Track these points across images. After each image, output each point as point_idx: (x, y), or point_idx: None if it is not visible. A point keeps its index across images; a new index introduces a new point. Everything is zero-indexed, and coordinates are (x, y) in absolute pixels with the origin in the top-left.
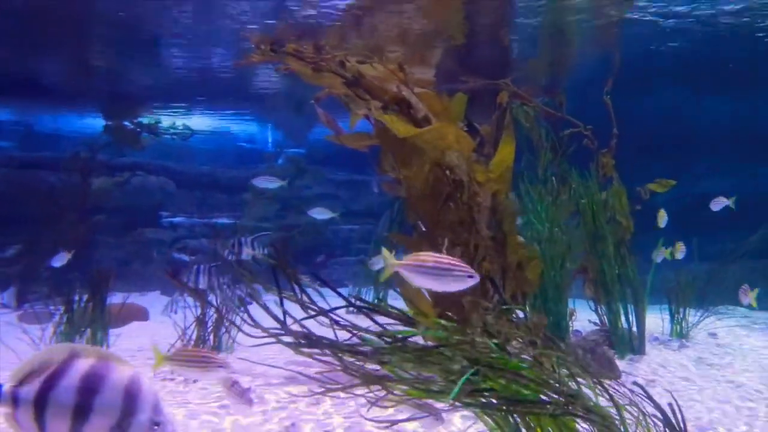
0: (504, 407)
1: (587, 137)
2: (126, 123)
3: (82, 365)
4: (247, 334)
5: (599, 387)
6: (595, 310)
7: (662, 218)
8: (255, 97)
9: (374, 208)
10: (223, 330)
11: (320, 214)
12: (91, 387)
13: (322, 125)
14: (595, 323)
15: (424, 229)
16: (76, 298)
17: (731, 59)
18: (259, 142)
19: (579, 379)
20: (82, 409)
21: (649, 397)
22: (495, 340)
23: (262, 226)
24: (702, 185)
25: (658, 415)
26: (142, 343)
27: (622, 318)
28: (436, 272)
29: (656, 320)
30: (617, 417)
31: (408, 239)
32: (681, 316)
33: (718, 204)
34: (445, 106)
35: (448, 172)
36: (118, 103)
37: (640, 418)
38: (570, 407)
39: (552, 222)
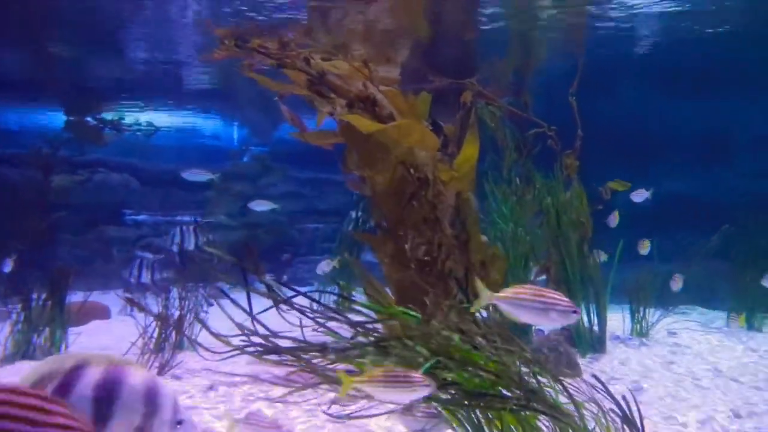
0: (466, 401)
1: (551, 138)
2: (88, 119)
3: (94, 372)
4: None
5: (559, 384)
6: None
7: (615, 219)
8: (219, 94)
9: (340, 207)
10: (186, 327)
11: (259, 206)
12: (109, 393)
13: (288, 123)
14: None
15: (387, 227)
16: (35, 296)
17: (693, 62)
18: (225, 139)
19: (542, 377)
20: (102, 417)
21: (609, 393)
22: (458, 334)
23: (229, 225)
24: (664, 186)
25: (617, 410)
26: (103, 341)
27: (584, 317)
28: (538, 306)
29: (618, 320)
30: (577, 413)
31: (372, 237)
32: (641, 315)
33: (639, 196)
34: (410, 105)
35: (412, 170)
36: (80, 98)
37: (599, 414)
38: (531, 403)
39: (516, 222)
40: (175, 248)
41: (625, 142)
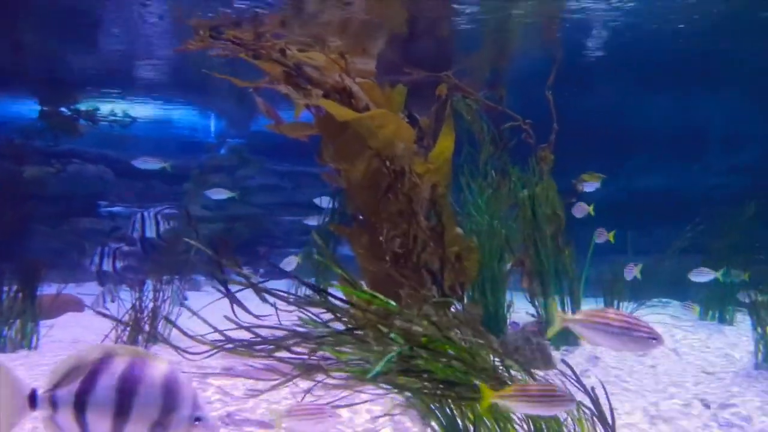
0: (439, 390)
1: (526, 131)
2: (63, 109)
3: (119, 364)
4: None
5: (529, 375)
6: (532, 302)
7: (583, 210)
8: (197, 86)
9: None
10: (160, 320)
11: (218, 194)
12: (130, 385)
13: (264, 115)
14: (532, 315)
15: (363, 219)
16: (6, 288)
17: (670, 56)
18: (202, 131)
19: (516, 370)
20: (123, 408)
21: (580, 384)
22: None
23: (206, 217)
24: (638, 181)
25: (589, 402)
26: (76, 334)
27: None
28: (618, 331)
29: None
30: None
31: (348, 230)
32: (615, 308)
33: (580, 210)
34: (386, 97)
35: (388, 162)
36: (55, 88)
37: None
38: None
39: (491, 214)
40: (135, 235)
41: (601, 137)
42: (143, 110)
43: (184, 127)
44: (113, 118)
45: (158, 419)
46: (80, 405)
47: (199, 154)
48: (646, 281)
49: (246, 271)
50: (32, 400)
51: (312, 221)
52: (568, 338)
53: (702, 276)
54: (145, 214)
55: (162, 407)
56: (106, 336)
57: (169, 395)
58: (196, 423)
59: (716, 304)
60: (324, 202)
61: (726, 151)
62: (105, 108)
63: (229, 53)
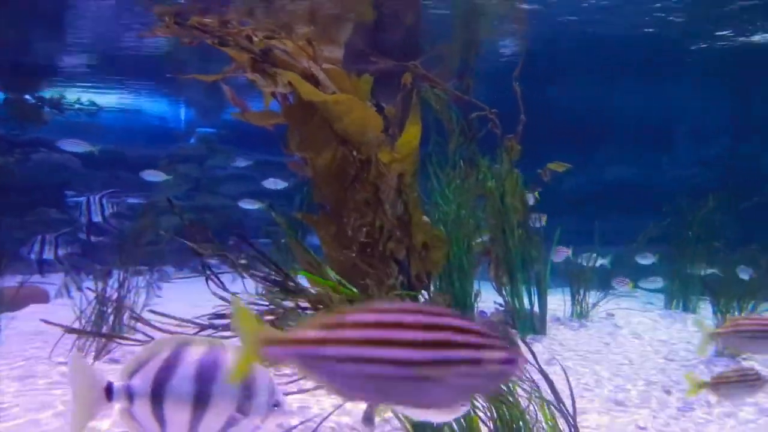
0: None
1: (492, 121)
2: (27, 97)
3: (194, 354)
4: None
5: None
6: (499, 292)
7: (542, 220)
8: (166, 74)
9: (288, 189)
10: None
11: (152, 176)
12: (208, 374)
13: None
14: (500, 305)
15: (329, 209)
16: None
17: (638, 51)
18: (171, 120)
19: None
20: (202, 397)
21: (542, 373)
22: None
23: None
24: (607, 173)
25: (550, 390)
26: (40, 325)
27: (525, 299)
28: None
29: (559, 302)
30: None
31: (314, 219)
32: (581, 297)
33: (560, 254)
34: (353, 85)
35: (354, 151)
36: (19, 76)
37: (533, 393)
38: None
39: (459, 204)
40: (83, 219)
41: (570, 129)
42: (111, 99)
43: (154, 116)
44: (79, 106)
45: (237, 406)
46: (157, 396)
47: (168, 144)
48: (614, 271)
49: (216, 261)
50: (108, 392)
51: (272, 185)
52: (535, 327)
53: (646, 259)
54: (91, 198)
55: (241, 395)
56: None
57: (247, 382)
58: (274, 408)
59: (680, 294)
60: (276, 184)
61: (691, 144)
62: (71, 96)
63: (195, 41)
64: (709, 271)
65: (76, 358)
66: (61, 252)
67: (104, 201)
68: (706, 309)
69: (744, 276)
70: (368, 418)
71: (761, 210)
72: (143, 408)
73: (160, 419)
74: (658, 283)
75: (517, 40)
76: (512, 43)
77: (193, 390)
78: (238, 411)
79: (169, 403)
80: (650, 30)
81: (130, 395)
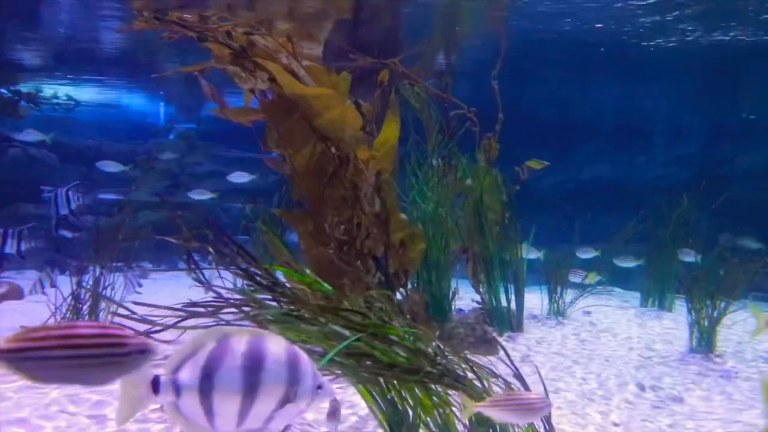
0: (378, 371)
1: (470, 119)
2: (2, 91)
3: (240, 344)
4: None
5: (466, 361)
6: (476, 290)
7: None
8: (146, 69)
9: (268, 186)
10: (102, 307)
11: (107, 167)
12: (255, 363)
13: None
14: (477, 302)
15: (308, 206)
16: None
17: (609, 49)
18: (151, 116)
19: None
20: (250, 387)
21: (515, 369)
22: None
23: (153, 203)
24: (585, 172)
25: (522, 386)
26: (15, 321)
27: (502, 297)
28: None
29: (537, 300)
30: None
31: (292, 216)
32: (559, 295)
33: (578, 275)
34: (333, 82)
35: (333, 149)
36: None
37: (507, 389)
38: (444, 378)
39: (437, 202)
40: (51, 213)
41: (549, 128)
42: (90, 94)
43: (133, 111)
44: (56, 101)
45: (285, 393)
46: (205, 388)
47: (148, 139)
48: (591, 269)
49: (196, 258)
50: (155, 386)
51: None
52: (512, 325)
53: (587, 254)
54: (58, 192)
55: (288, 381)
56: (44, 323)
57: (293, 368)
58: (318, 391)
59: (656, 292)
60: (241, 177)
61: (668, 144)
62: (48, 91)
63: (174, 36)
64: (687, 258)
65: None
66: (23, 246)
67: (70, 194)
68: (682, 307)
69: (688, 259)
70: (333, 413)
71: (733, 207)
72: (191, 401)
73: (209, 411)
74: (633, 261)
75: (495, 38)
76: (491, 41)
77: (241, 380)
78: (285, 396)
79: (218, 395)
80: (625, 28)
81: (177, 389)
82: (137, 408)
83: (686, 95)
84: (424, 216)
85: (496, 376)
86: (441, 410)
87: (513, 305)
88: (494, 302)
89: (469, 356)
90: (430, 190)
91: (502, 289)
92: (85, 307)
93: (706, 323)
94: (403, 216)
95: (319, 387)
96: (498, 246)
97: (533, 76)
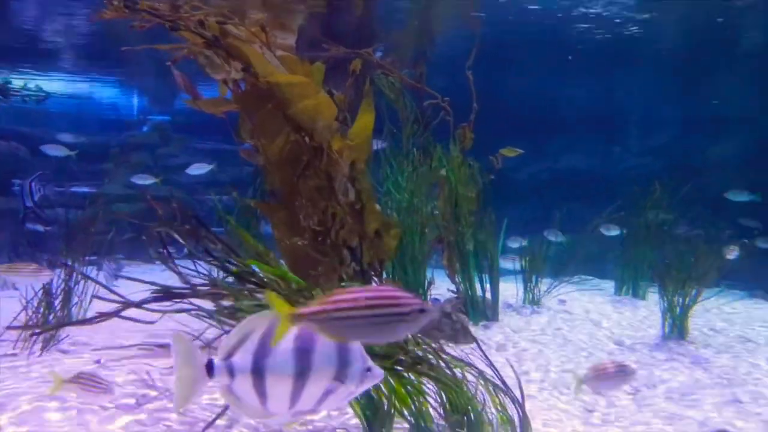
0: None
1: (444, 109)
2: None
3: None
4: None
5: (440, 350)
6: (452, 279)
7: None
8: (119, 60)
9: (243, 178)
10: (75, 301)
11: (54, 150)
12: (307, 346)
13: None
14: (453, 292)
15: (281, 196)
16: None
17: (588, 41)
18: (124, 108)
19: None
20: (302, 369)
21: (487, 359)
22: None
23: (127, 196)
24: (561, 162)
25: (496, 375)
26: None
27: (477, 286)
28: None
29: (512, 289)
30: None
31: (266, 206)
32: (534, 284)
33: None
34: (307, 72)
35: (307, 138)
36: None
37: (480, 378)
38: (417, 366)
39: (412, 192)
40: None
41: (525, 118)
42: (61, 86)
43: (105, 103)
44: (26, 93)
45: (335, 375)
46: (259, 370)
47: (121, 132)
48: (566, 258)
49: (171, 250)
50: (209, 369)
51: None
52: (487, 314)
53: (555, 236)
54: (23, 184)
55: (338, 362)
56: (15, 318)
57: (343, 350)
58: (367, 373)
59: (630, 280)
60: (200, 169)
61: (642, 134)
62: (17, 82)
63: (145, 25)
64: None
65: (178, 338)
66: None
67: (33, 186)
68: (655, 294)
69: (552, 238)
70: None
71: (702, 195)
72: (244, 383)
73: (262, 393)
74: (616, 231)
75: (471, 28)
76: (466, 32)
77: (293, 363)
78: (335, 379)
79: (271, 377)
80: (598, 19)
81: (231, 372)
82: (194, 391)
83: (661, 86)
84: (399, 206)
85: (469, 364)
86: (415, 398)
87: (488, 295)
88: (469, 291)
89: (443, 345)
90: (404, 180)
91: (477, 279)
92: (56, 301)
93: (678, 311)
94: (378, 206)
95: (368, 369)
96: (472, 235)
97: (508, 65)
